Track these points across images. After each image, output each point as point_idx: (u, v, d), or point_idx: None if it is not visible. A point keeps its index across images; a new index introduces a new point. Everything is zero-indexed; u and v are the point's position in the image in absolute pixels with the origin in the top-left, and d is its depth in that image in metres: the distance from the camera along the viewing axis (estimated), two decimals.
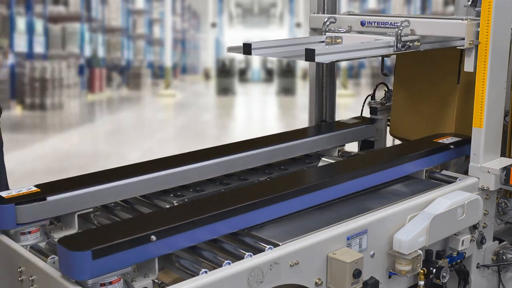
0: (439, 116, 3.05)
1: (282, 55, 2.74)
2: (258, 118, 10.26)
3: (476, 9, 2.68)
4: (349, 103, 10.34)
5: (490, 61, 2.46)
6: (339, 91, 3.59)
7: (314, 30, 3.11)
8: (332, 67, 3.33)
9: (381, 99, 3.41)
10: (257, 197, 2.07)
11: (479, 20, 2.46)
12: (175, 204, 2.38)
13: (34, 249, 2.01)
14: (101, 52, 13.53)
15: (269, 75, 14.51)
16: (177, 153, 2.70)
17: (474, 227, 2.50)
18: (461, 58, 2.84)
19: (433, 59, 3.07)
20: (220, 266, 1.82)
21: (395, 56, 3.15)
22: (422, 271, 2.24)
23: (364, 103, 3.40)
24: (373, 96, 3.42)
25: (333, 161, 2.75)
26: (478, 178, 2.54)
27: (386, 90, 3.42)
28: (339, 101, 3.64)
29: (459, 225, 2.35)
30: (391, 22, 2.71)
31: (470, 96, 2.77)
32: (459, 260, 2.43)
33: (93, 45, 13.22)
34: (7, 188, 2.78)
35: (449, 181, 2.58)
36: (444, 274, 2.28)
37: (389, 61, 3.53)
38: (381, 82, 3.48)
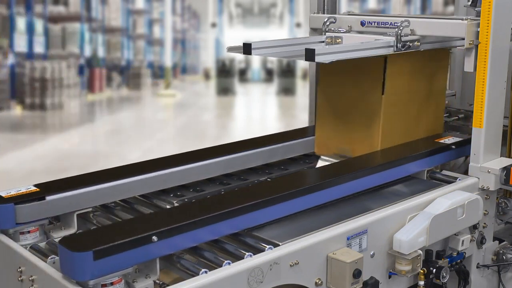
0: (364, 131, 2.81)
1: (282, 55, 2.74)
2: (258, 118, 10.26)
3: (476, 9, 2.68)
4: None
5: (490, 61, 2.46)
6: None
7: (314, 30, 3.11)
8: None
9: None
10: (257, 198, 2.07)
11: (479, 20, 2.46)
12: (175, 204, 2.38)
13: (34, 249, 2.02)
14: (101, 52, 13.52)
15: (269, 75, 14.50)
16: (177, 153, 2.70)
17: (474, 227, 2.51)
18: (385, 67, 2.68)
19: (356, 68, 2.78)
20: (220, 266, 1.83)
21: (319, 70, 3.02)
22: (422, 271, 2.24)
23: None
24: None
25: (333, 161, 2.75)
26: (478, 178, 2.54)
27: None
28: None
29: (459, 225, 2.35)
30: (391, 22, 2.71)
31: (396, 108, 2.75)
32: (459, 260, 2.43)
33: (93, 45, 13.21)
34: None
35: (449, 181, 2.58)
36: (444, 274, 2.29)
37: None
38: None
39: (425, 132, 2.89)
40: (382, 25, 2.76)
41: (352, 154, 2.81)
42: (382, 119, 2.73)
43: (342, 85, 2.88)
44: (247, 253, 1.88)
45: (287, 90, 13.06)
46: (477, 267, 2.62)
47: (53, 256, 1.92)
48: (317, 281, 1.99)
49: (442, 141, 2.76)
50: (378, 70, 2.69)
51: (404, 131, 2.81)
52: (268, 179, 2.72)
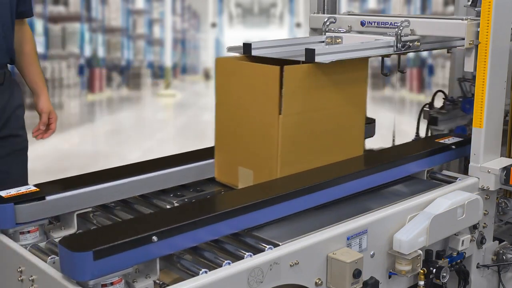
0: (263, 157, 2.39)
1: (282, 55, 2.74)
2: None
3: (476, 9, 2.68)
4: None
5: (490, 61, 2.46)
6: None
7: (314, 30, 3.11)
8: None
9: (439, 108, 3.24)
10: (257, 198, 2.07)
11: (479, 20, 2.46)
12: (175, 204, 2.38)
13: (34, 249, 2.02)
14: (101, 52, 13.50)
15: None
16: (177, 153, 2.70)
17: (474, 227, 2.51)
18: (281, 82, 2.24)
19: (252, 84, 2.38)
20: (220, 266, 1.83)
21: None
22: (422, 271, 2.24)
23: (420, 113, 3.26)
24: (431, 105, 3.24)
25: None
26: (478, 178, 2.54)
27: (444, 98, 3.30)
28: None
29: (459, 225, 2.35)
30: (391, 22, 2.71)
31: (300, 130, 2.34)
32: (459, 260, 2.43)
33: (93, 45, 13.19)
34: None
35: (449, 181, 2.58)
36: (444, 274, 2.29)
37: (389, 61, 3.53)
38: (438, 90, 3.33)
39: (342, 155, 2.48)
40: (382, 25, 2.76)
41: (254, 181, 2.35)
42: (280, 143, 2.28)
43: (238, 103, 2.43)
44: (247, 253, 1.89)
45: None
46: (477, 267, 2.62)
47: (53, 256, 1.92)
48: (317, 281, 1.98)
49: (442, 141, 2.76)
50: (273, 86, 2.21)
51: (313, 156, 2.38)
52: None
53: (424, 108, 3.37)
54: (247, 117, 2.38)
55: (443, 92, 3.34)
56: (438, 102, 3.40)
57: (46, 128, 2.93)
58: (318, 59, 2.27)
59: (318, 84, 2.35)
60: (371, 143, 3.40)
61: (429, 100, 3.47)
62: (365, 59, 2.50)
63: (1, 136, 2.73)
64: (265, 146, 2.32)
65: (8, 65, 2.77)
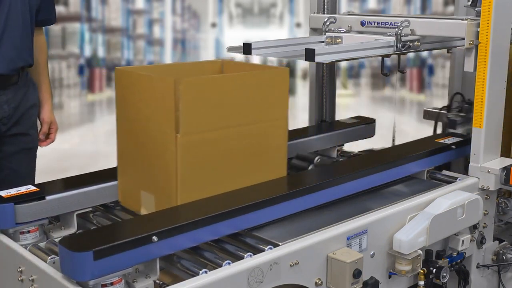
0: (161, 180, 2.11)
1: (282, 55, 2.75)
2: None
3: (476, 9, 2.68)
4: (349, 103, 10.33)
5: (490, 61, 2.46)
6: (339, 91, 3.58)
7: (314, 30, 3.11)
8: (332, 67, 3.33)
9: (457, 111, 3.17)
10: (257, 198, 2.07)
11: (479, 20, 2.46)
12: None
13: (34, 248, 2.02)
14: (101, 52, 13.49)
15: None
16: None
17: (474, 227, 2.51)
18: (177, 95, 1.96)
19: (148, 94, 2.10)
20: (220, 266, 1.83)
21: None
22: (422, 271, 2.24)
23: (438, 116, 3.15)
24: (449, 108, 3.18)
25: (333, 161, 2.75)
26: (478, 178, 2.54)
27: (462, 100, 3.22)
28: (339, 101, 3.63)
29: (459, 225, 2.35)
30: (391, 22, 2.71)
31: (204, 153, 2.05)
32: (459, 260, 2.43)
33: (93, 45, 13.18)
34: None
35: (449, 181, 2.58)
36: (444, 274, 2.29)
37: (389, 61, 3.53)
38: (457, 93, 3.23)
39: (261, 177, 2.22)
40: (382, 25, 2.76)
41: (155, 207, 2.09)
42: (180, 166, 2.01)
43: (137, 120, 2.16)
44: (247, 253, 1.89)
45: None
46: (477, 267, 2.62)
47: (53, 256, 1.92)
48: (317, 281, 1.98)
49: (442, 141, 2.76)
50: (168, 101, 1.93)
51: (224, 179, 2.11)
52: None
53: (441, 111, 3.32)
54: (146, 136, 2.08)
55: (461, 94, 3.30)
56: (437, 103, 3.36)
57: (46, 137, 2.94)
58: (318, 59, 2.27)
59: (227, 98, 2.07)
60: (371, 143, 3.40)
61: (430, 100, 3.46)
62: (285, 69, 2.24)
63: (12, 134, 2.76)
64: (163, 169, 2.02)
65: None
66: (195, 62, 2.54)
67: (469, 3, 2.76)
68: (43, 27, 2.92)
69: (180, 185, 2.01)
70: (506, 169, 2.50)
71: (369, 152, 3.15)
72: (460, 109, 3.25)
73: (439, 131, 3.23)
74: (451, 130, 3.05)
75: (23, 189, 2.17)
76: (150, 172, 2.12)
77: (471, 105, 3.00)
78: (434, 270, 2.26)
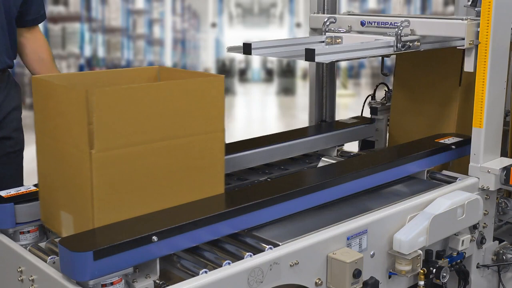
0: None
1: (282, 55, 2.75)
2: (258, 118, 10.26)
3: (476, 9, 2.68)
4: (349, 103, 10.34)
5: (490, 61, 2.46)
6: (339, 91, 3.59)
7: (314, 30, 3.11)
8: (332, 67, 3.33)
9: (381, 99, 3.41)
10: (257, 198, 2.07)
11: (479, 20, 2.46)
12: None
13: (34, 248, 2.02)
14: (101, 52, 13.51)
15: (269, 75, 14.49)
16: None
17: (474, 227, 2.51)
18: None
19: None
20: (220, 266, 1.83)
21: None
22: (422, 271, 2.24)
23: (364, 103, 3.41)
24: (373, 96, 3.42)
25: (333, 161, 2.75)
26: (478, 178, 2.54)
27: (387, 90, 3.43)
28: (339, 101, 3.63)
29: (459, 225, 2.35)
30: (391, 22, 2.71)
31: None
32: (459, 260, 2.43)
33: (93, 45, 13.20)
34: None
35: (449, 181, 2.58)
36: (444, 274, 2.29)
37: (389, 61, 3.54)
38: (381, 82, 3.47)
39: (194, 195, 2.10)
40: (382, 25, 2.76)
41: (74, 228, 1.95)
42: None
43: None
44: (247, 253, 1.89)
45: (287, 90, 13.06)
46: (477, 267, 2.62)
47: (53, 256, 1.92)
48: (317, 281, 1.99)
49: (442, 141, 2.76)
50: (80, 114, 1.81)
51: (150, 198, 1.98)
52: (268, 179, 2.72)
53: (367, 100, 3.46)
54: (62, 153, 1.94)
55: (385, 84, 3.44)
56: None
57: None
58: (318, 59, 2.27)
59: (151, 109, 1.90)
60: (371, 143, 3.41)
61: None
62: (220, 77, 2.09)
63: None
64: (79, 188, 1.87)
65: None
66: (129, 69, 2.35)
67: (469, 3, 2.76)
68: (38, 25, 2.89)
69: (97, 206, 1.82)
70: (506, 169, 2.50)
71: (369, 152, 3.16)
72: (383, 98, 3.42)
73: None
74: (373, 116, 3.30)
75: (23, 189, 2.18)
76: (67, 191, 1.94)
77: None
78: (434, 270, 2.26)
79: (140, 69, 2.36)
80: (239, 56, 12.28)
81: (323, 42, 2.85)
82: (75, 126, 1.83)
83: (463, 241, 2.41)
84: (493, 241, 2.68)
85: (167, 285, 1.80)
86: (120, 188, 1.86)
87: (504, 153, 2.72)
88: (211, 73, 2.16)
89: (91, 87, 1.80)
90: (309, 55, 2.26)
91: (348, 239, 2.06)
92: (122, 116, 1.83)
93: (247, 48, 2.59)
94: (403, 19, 2.59)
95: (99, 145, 1.79)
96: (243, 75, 14.59)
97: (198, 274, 1.78)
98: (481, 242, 2.58)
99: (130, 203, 1.88)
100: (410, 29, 2.62)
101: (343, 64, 12.89)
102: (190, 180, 2.03)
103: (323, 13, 3.16)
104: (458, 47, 2.56)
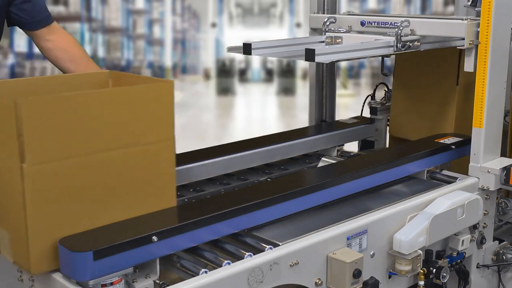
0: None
1: (282, 55, 2.75)
2: (258, 118, 10.26)
3: (476, 9, 2.68)
4: (349, 103, 10.34)
5: (490, 61, 2.46)
6: (339, 91, 3.59)
7: (314, 30, 3.11)
8: (332, 67, 3.33)
9: (381, 99, 3.41)
10: (257, 198, 2.07)
11: (479, 20, 2.46)
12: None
13: None
14: (101, 52, 13.51)
15: (269, 75, 14.50)
16: (177, 153, 2.70)
17: (474, 227, 2.51)
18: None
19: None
20: (220, 266, 1.83)
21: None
22: (422, 271, 2.24)
23: (364, 103, 3.41)
24: (373, 96, 3.42)
25: (333, 161, 2.75)
26: (478, 178, 2.54)
27: (386, 90, 3.43)
28: (339, 101, 3.63)
29: (459, 225, 2.35)
30: (391, 22, 2.71)
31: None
32: (459, 260, 2.43)
33: (93, 45, 13.20)
34: None
35: (449, 181, 2.58)
36: (444, 274, 2.29)
37: (389, 61, 3.54)
38: (381, 82, 3.48)
39: (143, 209, 1.95)
40: (382, 25, 2.76)
41: (11, 246, 1.84)
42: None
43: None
44: (247, 253, 1.89)
45: (287, 90, 13.06)
46: (477, 267, 2.62)
47: None
48: (317, 281, 1.99)
49: (442, 141, 2.76)
50: (9, 125, 1.69)
51: (91, 213, 1.84)
52: (268, 179, 2.72)
53: (367, 100, 3.46)
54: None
55: (385, 84, 3.45)
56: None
57: None
58: (318, 59, 2.27)
59: (90, 119, 1.77)
60: (371, 143, 3.41)
61: None
62: (169, 82, 1.96)
63: None
64: (12, 204, 1.76)
65: None
66: (79, 75, 2.26)
67: (469, 3, 2.76)
68: (56, 24, 2.71)
69: (30, 223, 1.69)
70: (506, 169, 2.50)
71: (369, 152, 3.16)
72: (383, 98, 3.42)
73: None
74: (373, 116, 3.31)
75: None
76: (2, 206, 1.82)
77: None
78: (434, 270, 2.26)
79: (90, 75, 2.25)
80: (239, 56, 12.28)
81: (323, 42, 2.85)
82: (5, 138, 1.71)
83: (463, 241, 2.41)
84: (493, 241, 2.68)
85: (167, 285, 1.80)
86: (56, 204, 1.72)
87: (504, 153, 2.72)
88: (163, 78, 2.02)
89: (25, 95, 1.69)
90: (309, 55, 2.26)
91: (348, 239, 2.06)
92: (56, 126, 1.69)
93: (247, 48, 2.59)
94: (403, 19, 2.59)
95: (31, 158, 1.66)
96: (243, 75, 14.60)
97: (198, 274, 1.78)
98: (481, 242, 2.58)
99: (68, 219, 1.75)
100: (410, 29, 2.62)
101: (343, 64, 12.89)
102: (137, 193, 1.88)
103: (323, 13, 3.16)
104: (458, 47, 2.56)
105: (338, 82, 3.53)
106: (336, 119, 3.40)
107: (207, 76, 14.75)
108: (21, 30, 2.75)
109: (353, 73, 13.91)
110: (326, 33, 2.88)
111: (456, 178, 2.58)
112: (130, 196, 1.88)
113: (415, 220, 2.24)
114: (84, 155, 1.76)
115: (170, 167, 1.97)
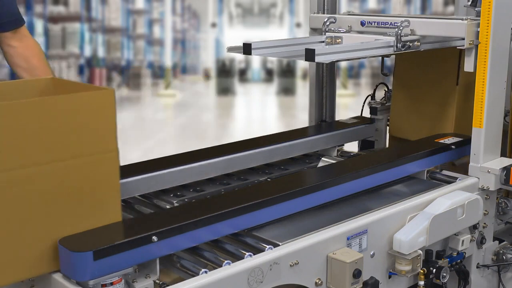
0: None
1: (282, 55, 2.75)
2: (258, 118, 10.26)
3: (476, 9, 2.68)
4: (349, 103, 10.34)
5: (490, 61, 2.46)
6: (339, 91, 3.59)
7: (314, 30, 3.11)
8: (332, 67, 3.33)
9: (381, 99, 3.42)
10: (257, 198, 2.07)
11: (479, 20, 2.46)
12: (175, 204, 2.38)
13: None
14: (101, 52, 13.51)
15: (269, 75, 14.50)
16: (177, 153, 2.70)
17: (474, 227, 2.51)
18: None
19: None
20: (220, 266, 1.83)
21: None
22: (422, 271, 2.24)
23: (364, 103, 3.41)
24: (373, 96, 3.42)
25: (333, 161, 2.75)
26: (478, 178, 2.54)
27: (386, 90, 3.43)
28: (339, 101, 3.63)
29: (459, 225, 2.35)
30: (391, 22, 2.71)
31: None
32: (459, 260, 2.43)
33: (93, 45, 13.20)
34: None
35: (449, 181, 2.58)
36: (444, 274, 2.29)
37: (389, 61, 3.54)
38: (381, 82, 3.48)
39: (87, 225, 1.85)
40: (382, 25, 2.76)
41: None
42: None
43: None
44: (247, 253, 1.89)
45: (287, 90, 13.06)
46: (477, 267, 2.62)
47: None
48: (317, 281, 1.99)
49: (442, 141, 2.76)
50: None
51: (25, 232, 1.72)
52: (268, 179, 2.72)
53: (367, 100, 3.47)
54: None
55: (384, 84, 3.45)
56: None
57: None
58: (318, 59, 2.27)
59: (23, 130, 1.67)
60: (371, 143, 3.41)
61: None
62: (110, 90, 1.85)
63: None
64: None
65: None
66: (18, 81, 2.14)
67: (469, 3, 2.76)
68: (24, 30, 2.61)
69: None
70: (506, 169, 2.50)
71: (369, 152, 3.16)
72: (383, 97, 3.42)
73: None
74: (373, 116, 3.31)
75: None
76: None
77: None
78: (434, 270, 2.26)
79: (30, 82, 2.13)
80: (239, 56, 12.28)
81: (323, 42, 2.85)
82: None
83: (463, 241, 2.41)
84: (493, 241, 2.68)
85: (167, 285, 1.80)
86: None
87: (504, 153, 2.72)
88: (103, 86, 1.92)
89: None
90: (309, 55, 2.26)
91: (348, 239, 2.06)
92: (4, 133, 1.62)
93: (247, 48, 2.59)
94: (403, 19, 2.59)
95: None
96: (243, 75, 14.60)
97: (198, 274, 1.78)
98: (481, 242, 2.58)
99: (4, 234, 1.67)
100: (410, 29, 2.62)
101: (343, 64, 12.90)
102: (77, 208, 1.78)
103: (323, 13, 3.16)
104: (458, 47, 2.56)
105: (338, 82, 3.53)
106: (336, 119, 3.40)
107: (207, 76, 14.75)
108: None
109: (353, 73, 13.91)
110: (326, 33, 2.88)
111: (456, 178, 2.58)
112: (70, 211, 1.76)
113: (415, 220, 2.24)
114: (16, 169, 1.66)
115: (114, 179, 1.84)
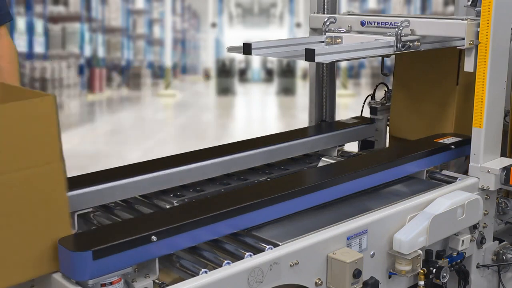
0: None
1: (282, 55, 2.75)
2: (258, 118, 10.26)
3: (476, 9, 2.68)
4: (349, 103, 10.34)
5: (490, 61, 2.46)
6: (339, 91, 3.59)
7: (314, 30, 3.11)
8: (332, 67, 3.33)
9: (381, 99, 3.42)
10: (257, 198, 2.07)
11: (479, 20, 2.46)
12: (175, 204, 2.38)
13: None
14: (101, 52, 13.51)
15: (269, 75, 14.50)
16: (177, 153, 2.70)
17: (474, 227, 2.50)
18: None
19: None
20: (220, 266, 1.83)
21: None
22: (422, 271, 2.24)
23: (364, 103, 3.41)
24: (373, 96, 3.42)
25: (333, 161, 2.75)
26: (478, 178, 2.54)
27: (386, 90, 3.43)
28: (339, 101, 3.63)
29: (459, 225, 2.35)
30: (391, 22, 2.71)
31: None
32: (459, 260, 2.43)
33: (93, 45, 13.20)
34: None
35: (449, 181, 2.58)
36: (444, 274, 2.28)
37: (389, 61, 3.54)
38: (381, 82, 3.48)
39: (43, 240, 1.73)
40: (382, 25, 2.76)
41: None
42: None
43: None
44: (247, 253, 1.88)
45: (287, 90, 13.07)
46: (477, 267, 2.62)
47: None
48: (317, 281, 1.98)
49: (442, 141, 2.76)
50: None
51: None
52: (268, 179, 2.72)
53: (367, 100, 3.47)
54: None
55: (384, 84, 3.45)
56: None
57: None
58: (318, 59, 2.27)
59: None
60: (371, 143, 3.41)
61: None
62: (49, 97, 1.68)
63: None
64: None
65: None
66: None
67: (469, 3, 2.76)
68: (3, 29, 2.57)
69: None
70: (506, 169, 2.50)
71: (369, 152, 3.16)
72: (383, 97, 3.42)
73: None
74: (373, 116, 3.32)
75: None
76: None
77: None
78: (434, 270, 2.26)
79: None
80: (239, 56, 12.28)
81: (323, 42, 2.85)
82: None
83: (463, 241, 2.41)
84: (493, 241, 2.68)
85: (167, 285, 1.80)
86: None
87: (504, 153, 2.72)
88: (42, 92, 1.72)
89: None
90: (309, 55, 2.26)
91: (348, 239, 2.06)
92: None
93: (247, 48, 2.59)
94: (403, 19, 2.59)
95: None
96: (243, 75, 14.60)
97: (198, 274, 1.77)
98: (481, 242, 2.58)
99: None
100: (410, 29, 2.62)
101: (343, 64, 12.90)
102: (20, 224, 1.64)
103: (323, 13, 3.16)
104: (458, 47, 2.56)
105: (338, 82, 3.53)
106: (336, 119, 3.40)
107: (207, 76, 14.75)
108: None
109: (353, 73, 13.91)
110: (326, 33, 2.88)
111: (456, 178, 2.58)
112: (12, 227, 1.63)
113: (415, 220, 2.24)
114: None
115: (60, 191, 1.71)
